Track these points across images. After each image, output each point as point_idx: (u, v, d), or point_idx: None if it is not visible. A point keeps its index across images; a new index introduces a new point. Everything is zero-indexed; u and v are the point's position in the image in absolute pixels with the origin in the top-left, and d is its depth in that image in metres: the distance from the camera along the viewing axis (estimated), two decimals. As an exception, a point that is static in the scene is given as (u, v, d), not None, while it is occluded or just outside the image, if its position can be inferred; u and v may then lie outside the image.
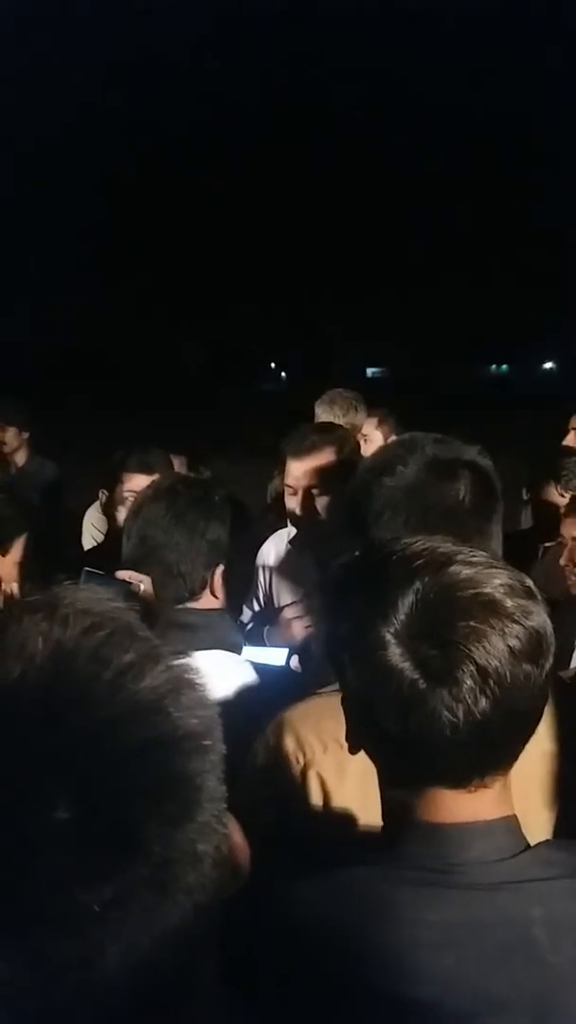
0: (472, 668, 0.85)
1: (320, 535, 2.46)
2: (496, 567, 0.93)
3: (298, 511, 2.46)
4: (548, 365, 64.72)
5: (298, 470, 2.45)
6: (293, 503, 2.47)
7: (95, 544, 3.57)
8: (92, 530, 3.68)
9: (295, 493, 2.46)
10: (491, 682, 0.86)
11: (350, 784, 1.25)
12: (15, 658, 0.53)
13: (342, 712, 0.99)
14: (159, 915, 0.51)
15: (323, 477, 2.43)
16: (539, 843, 0.95)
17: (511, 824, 0.93)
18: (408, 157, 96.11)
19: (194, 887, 0.53)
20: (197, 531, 1.71)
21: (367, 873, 0.93)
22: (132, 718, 0.52)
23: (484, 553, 0.96)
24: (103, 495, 3.59)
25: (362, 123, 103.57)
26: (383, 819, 0.99)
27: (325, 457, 2.45)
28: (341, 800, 1.28)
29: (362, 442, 3.54)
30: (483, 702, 0.85)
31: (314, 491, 2.42)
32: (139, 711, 0.53)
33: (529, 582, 0.94)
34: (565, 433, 4.30)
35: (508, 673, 0.86)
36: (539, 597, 0.93)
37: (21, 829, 0.48)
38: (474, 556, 0.94)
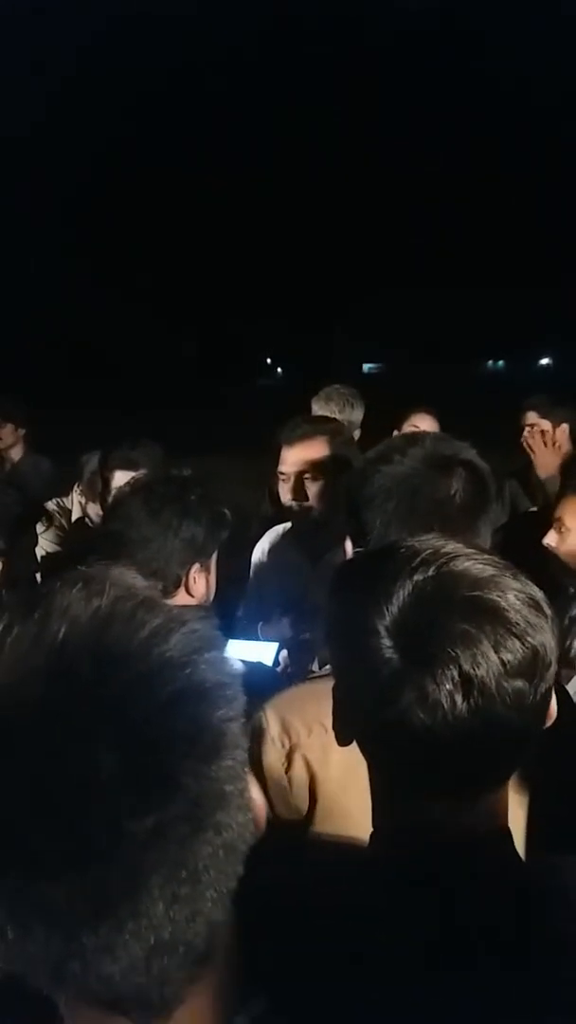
0: (454, 672, 0.81)
1: (309, 522, 2.50)
2: (507, 574, 0.88)
3: (289, 497, 2.49)
4: (544, 361, 64.72)
5: (291, 456, 2.49)
6: (285, 490, 2.51)
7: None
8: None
9: (287, 479, 2.50)
10: (474, 691, 0.81)
11: (334, 765, 1.30)
12: (60, 619, 0.60)
13: (327, 697, 0.97)
14: (193, 848, 0.58)
15: (315, 464, 2.46)
16: (533, 860, 0.91)
17: (503, 838, 0.90)
18: (408, 157, 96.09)
19: (222, 825, 0.61)
20: (171, 529, 1.73)
21: (367, 890, 0.90)
22: (164, 672, 0.60)
23: (499, 559, 0.91)
24: (77, 489, 3.64)
25: (362, 123, 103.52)
26: (373, 823, 0.95)
27: (318, 445, 2.49)
28: (326, 781, 1.32)
29: None
30: (463, 710, 0.81)
31: (306, 477, 2.46)
32: (170, 666, 0.60)
33: (539, 595, 0.89)
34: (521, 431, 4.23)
35: (496, 686, 0.82)
36: (547, 613, 0.88)
37: (75, 769, 0.55)
38: (485, 558, 0.89)
